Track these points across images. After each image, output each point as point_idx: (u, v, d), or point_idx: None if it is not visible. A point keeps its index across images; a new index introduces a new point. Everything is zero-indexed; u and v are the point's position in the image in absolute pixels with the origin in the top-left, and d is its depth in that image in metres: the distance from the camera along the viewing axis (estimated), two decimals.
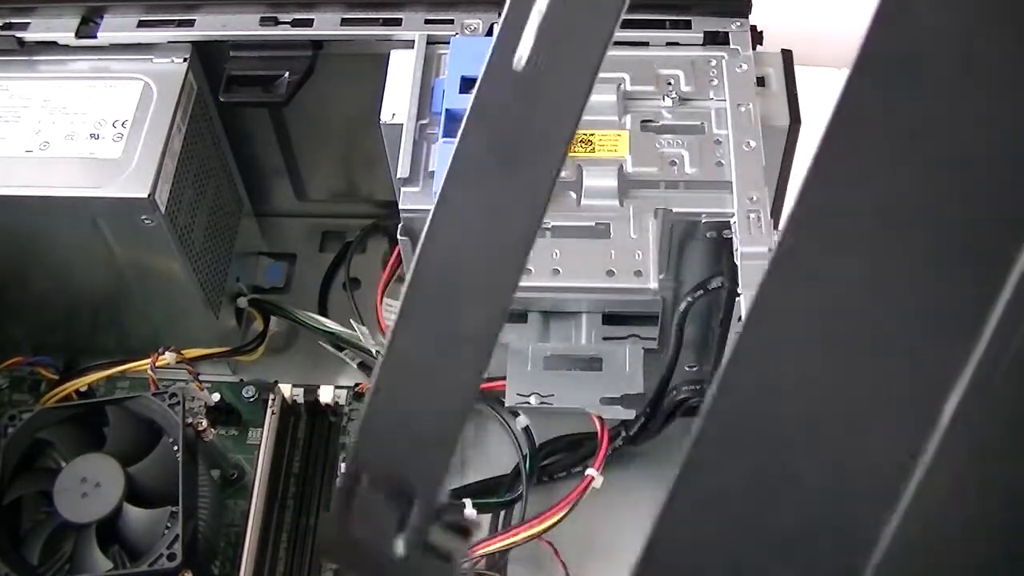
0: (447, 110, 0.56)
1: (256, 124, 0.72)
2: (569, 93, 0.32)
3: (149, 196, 0.58)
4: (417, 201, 0.55)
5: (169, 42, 0.63)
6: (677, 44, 0.60)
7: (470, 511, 0.63)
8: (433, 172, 0.55)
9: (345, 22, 0.62)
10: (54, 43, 0.63)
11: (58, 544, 0.60)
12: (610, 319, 0.65)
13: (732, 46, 0.60)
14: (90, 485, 0.59)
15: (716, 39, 0.60)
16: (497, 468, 0.69)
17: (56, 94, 0.62)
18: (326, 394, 0.69)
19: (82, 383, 0.68)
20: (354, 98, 0.64)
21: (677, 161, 0.56)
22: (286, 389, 0.69)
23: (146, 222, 0.60)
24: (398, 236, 0.56)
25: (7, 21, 0.63)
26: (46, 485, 0.60)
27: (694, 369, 0.66)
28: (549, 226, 0.54)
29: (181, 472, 0.59)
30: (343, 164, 0.77)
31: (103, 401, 0.63)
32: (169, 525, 0.59)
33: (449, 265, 0.33)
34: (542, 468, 0.68)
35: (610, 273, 0.53)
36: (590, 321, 0.65)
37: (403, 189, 0.55)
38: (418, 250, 0.32)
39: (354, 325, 0.69)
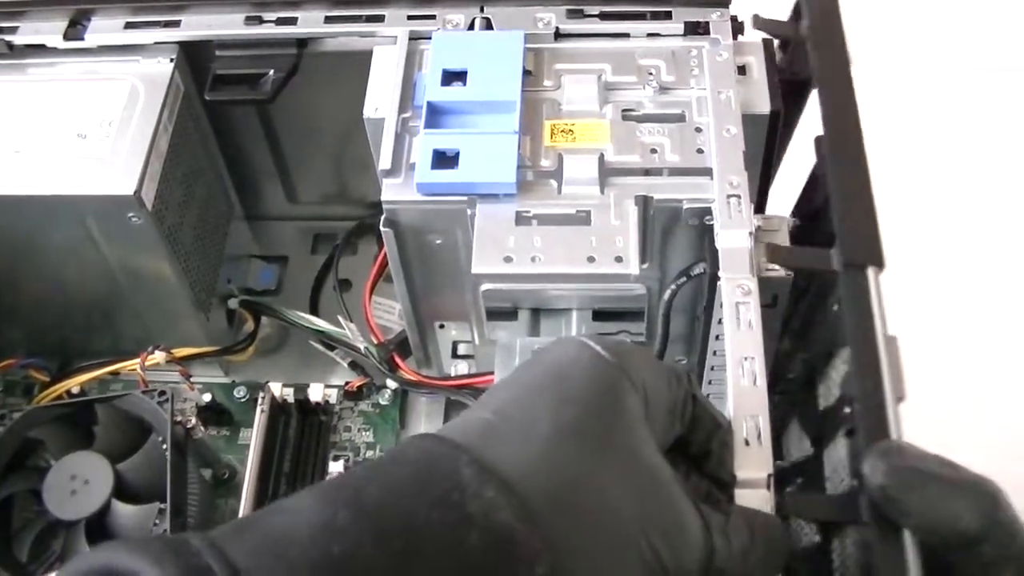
0: (428, 103, 0.57)
1: (245, 127, 0.73)
2: None
3: (135, 193, 0.59)
4: (399, 193, 0.55)
5: (155, 43, 0.64)
6: (658, 35, 0.61)
7: None
8: (414, 164, 0.55)
9: (329, 20, 0.63)
10: (42, 46, 0.64)
11: (48, 542, 0.60)
12: (600, 315, 0.65)
13: (713, 36, 0.60)
14: (79, 482, 0.60)
15: (697, 29, 0.60)
16: None
17: (44, 96, 0.63)
18: (316, 392, 0.69)
19: (73, 383, 0.69)
20: (342, 99, 0.64)
21: (658, 149, 0.56)
22: (276, 388, 0.69)
23: (133, 220, 0.60)
24: (380, 228, 0.56)
25: None
26: (36, 484, 0.60)
27: (682, 362, 0.66)
28: (531, 214, 0.54)
29: (169, 468, 0.59)
30: (333, 166, 0.77)
31: (92, 400, 0.64)
32: (157, 522, 0.59)
33: None
34: None
35: (591, 259, 0.53)
36: (580, 318, 0.65)
37: (385, 181, 0.56)
38: None
39: (343, 323, 0.70)
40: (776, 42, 0.61)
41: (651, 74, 0.59)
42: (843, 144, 0.52)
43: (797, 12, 0.59)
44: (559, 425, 0.36)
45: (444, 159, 0.55)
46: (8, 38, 0.64)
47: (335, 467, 0.67)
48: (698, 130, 0.56)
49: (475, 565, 0.32)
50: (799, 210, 0.58)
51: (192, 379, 0.70)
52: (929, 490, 0.38)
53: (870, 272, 0.48)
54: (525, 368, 0.40)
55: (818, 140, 0.53)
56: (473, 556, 0.32)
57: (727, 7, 0.61)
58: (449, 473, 0.33)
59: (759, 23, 0.59)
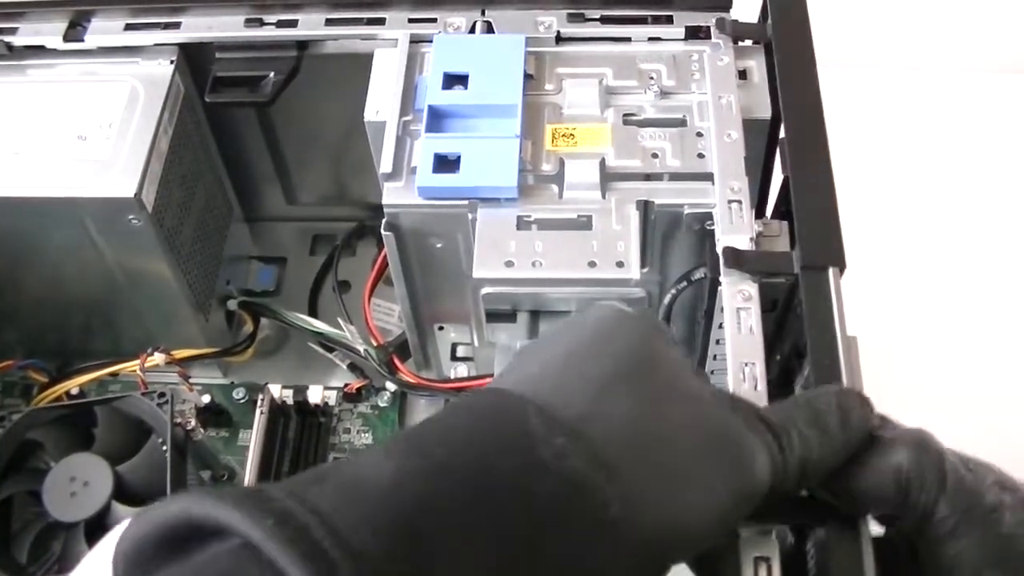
0: (429, 106, 0.57)
1: (245, 128, 0.73)
2: None
3: (135, 195, 0.59)
4: (400, 196, 0.55)
5: (155, 44, 0.63)
6: (659, 39, 0.61)
7: None
8: (416, 168, 0.55)
9: (329, 22, 0.63)
10: (42, 47, 0.64)
11: (47, 543, 0.60)
12: None
13: (714, 40, 0.60)
14: (79, 484, 0.59)
15: (698, 34, 0.60)
16: None
17: (44, 97, 0.63)
18: (315, 394, 0.69)
19: (72, 385, 0.69)
20: (342, 101, 0.64)
21: (659, 153, 0.56)
22: (275, 389, 0.69)
23: (133, 222, 0.60)
24: (382, 231, 0.56)
25: None
26: (35, 485, 0.60)
27: None
28: (532, 219, 0.54)
29: (169, 470, 0.59)
30: (332, 168, 0.77)
31: (92, 401, 0.64)
32: None
33: None
34: None
35: (592, 264, 0.53)
36: None
37: (386, 185, 0.56)
38: None
39: (343, 325, 0.70)
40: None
41: (652, 78, 0.59)
42: (805, 144, 0.53)
43: (764, 13, 0.60)
44: (615, 370, 0.37)
45: (445, 163, 0.55)
46: (8, 39, 0.64)
47: None
48: (699, 135, 0.56)
49: (548, 509, 0.32)
50: (776, 213, 0.58)
51: (191, 380, 0.69)
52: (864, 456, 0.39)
53: (831, 273, 0.48)
54: (564, 328, 0.41)
55: (782, 142, 0.53)
56: (546, 500, 0.32)
57: (728, 11, 0.61)
58: (518, 422, 0.34)
59: (723, 27, 0.60)
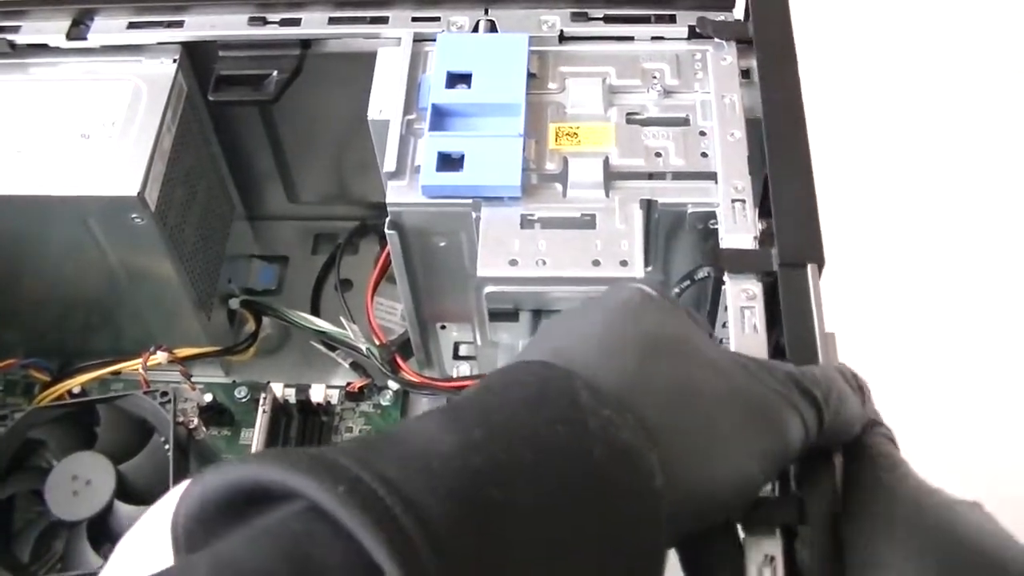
0: (433, 105, 0.57)
1: (248, 127, 0.73)
2: None
3: (139, 194, 0.59)
4: (403, 195, 0.55)
5: (158, 43, 0.63)
6: (662, 38, 0.61)
7: None
8: (419, 166, 0.55)
9: (333, 21, 0.63)
10: (45, 45, 0.64)
11: (50, 542, 0.60)
12: None
13: (716, 40, 0.60)
14: (81, 483, 0.60)
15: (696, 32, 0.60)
16: None
17: (47, 95, 0.63)
18: (317, 393, 0.69)
19: (74, 383, 0.69)
20: (345, 100, 0.65)
21: (662, 153, 0.56)
22: (277, 388, 0.69)
23: (136, 221, 0.60)
24: (385, 230, 0.56)
25: None
26: (38, 484, 0.60)
27: None
28: (535, 217, 0.54)
29: (172, 469, 0.59)
30: (335, 166, 0.77)
31: (94, 400, 0.64)
32: None
33: None
34: None
35: (596, 263, 0.53)
36: None
37: (390, 183, 0.56)
38: None
39: (345, 324, 0.70)
40: None
41: (655, 77, 0.59)
42: (784, 142, 0.53)
43: (747, 12, 0.60)
44: (649, 346, 0.38)
45: (449, 161, 0.55)
46: (10, 37, 0.63)
47: None
48: (702, 134, 0.57)
49: (600, 477, 0.33)
50: (762, 211, 0.58)
51: (193, 379, 0.69)
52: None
53: (809, 270, 0.48)
54: (591, 305, 0.41)
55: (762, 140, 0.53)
56: (598, 469, 0.33)
57: (731, 11, 0.61)
58: (566, 393, 0.35)
59: (707, 25, 0.60)
